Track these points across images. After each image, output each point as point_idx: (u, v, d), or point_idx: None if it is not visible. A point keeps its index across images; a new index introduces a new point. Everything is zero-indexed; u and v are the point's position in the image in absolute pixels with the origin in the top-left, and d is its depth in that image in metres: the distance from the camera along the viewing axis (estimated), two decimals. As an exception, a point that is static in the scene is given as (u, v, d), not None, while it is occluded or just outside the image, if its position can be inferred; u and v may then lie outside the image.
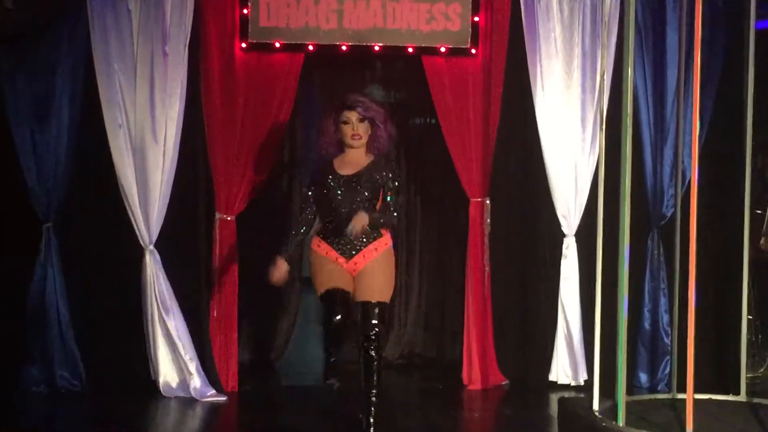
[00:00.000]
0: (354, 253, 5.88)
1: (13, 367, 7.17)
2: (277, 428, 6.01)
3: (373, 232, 5.90)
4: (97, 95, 7.13)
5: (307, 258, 6.31)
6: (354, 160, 5.98)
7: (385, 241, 5.97)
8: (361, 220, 5.75)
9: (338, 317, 5.74)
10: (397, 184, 6.03)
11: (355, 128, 5.93)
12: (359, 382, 5.91)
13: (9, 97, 7.13)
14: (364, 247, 5.89)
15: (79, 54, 7.15)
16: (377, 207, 5.93)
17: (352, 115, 5.93)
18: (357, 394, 5.93)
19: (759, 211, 7.24)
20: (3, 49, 7.06)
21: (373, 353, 5.83)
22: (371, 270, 5.90)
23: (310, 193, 6.05)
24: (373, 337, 5.83)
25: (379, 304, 5.88)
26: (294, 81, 7.41)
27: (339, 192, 5.89)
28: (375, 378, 5.88)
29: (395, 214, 6.02)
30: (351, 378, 5.99)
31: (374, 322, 5.84)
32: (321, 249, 5.93)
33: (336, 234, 5.87)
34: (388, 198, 5.98)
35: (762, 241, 7.52)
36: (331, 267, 5.90)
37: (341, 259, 5.88)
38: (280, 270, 5.88)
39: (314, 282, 5.98)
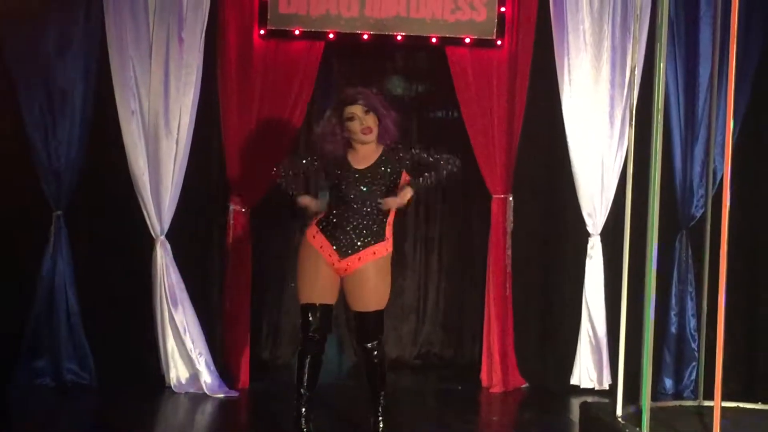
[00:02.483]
0: (350, 253, 5.72)
1: (19, 359, 7.17)
2: (288, 428, 5.92)
3: (376, 235, 5.77)
4: (111, 80, 7.14)
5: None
6: (367, 155, 5.84)
7: (387, 246, 5.81)
8: (394, 202, 5.75)
9: (312, 333, 5.73)
10: (418, 150, 5.91)
11: (363, 122, 5.76)
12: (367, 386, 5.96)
13: (20, 82, 7.11)
14: (363, 248, 5.74)
15: (93, 37, 7.17)
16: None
17: (357, 109, 5.75)
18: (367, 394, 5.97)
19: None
20: (13, 31, 7.05)
21: (375, 361, 5.87)
22: (366, 275, 5.77)
23: (309, 159, 5.95)
24: (372, 347, 5.83)
25: (376, 313, 5.82)
26: (313, 70, 7.41)
27: (353, 187, 5.75)
28: (379, 382, 5.91)
29: (449, 158, 5.94)
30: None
31: (372, 333, 5.83)
32: (315, 242, 5.76)
33: (338, 228, 5.74)
34: (428, 156, 5.87)
35: None
36: (319, 267, 5.74)
37: (334, 257, 5.73)
38: (306, 201, 5.89)
39: (298, 278, 5.85)
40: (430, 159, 5.86)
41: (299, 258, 5.86)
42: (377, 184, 5.76)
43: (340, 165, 5.80)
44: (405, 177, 5.84)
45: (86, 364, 7.22)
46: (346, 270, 5.74)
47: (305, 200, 5.88)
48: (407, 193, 5.74)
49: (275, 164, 6.08)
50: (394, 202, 5.74)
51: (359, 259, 5.72)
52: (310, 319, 5.74)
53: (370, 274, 5.77)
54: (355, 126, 5.75)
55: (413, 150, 5.88)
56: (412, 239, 8.32)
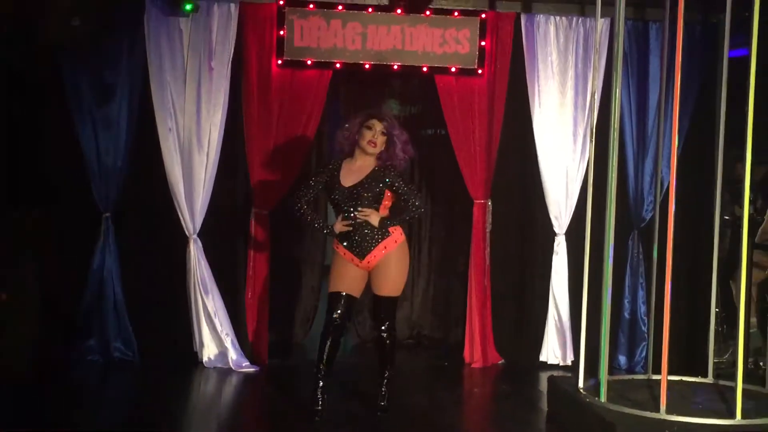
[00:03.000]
0: (365, 254, 5.79)
1: (74, 339, 7.19)
2: (301, 398, 6.00)
3: (380, 233, 5.80)
4: (151, 102, 7.15)
5: (330, 247, 6.23)
6: (363, 167, 5.84)
7: (395, 238, 5.83)
8: (371, 217, 5.74)
9: (336, 316, 5.76)
10: (399, 183, 5.81)
11: (375, 136, 5.79)
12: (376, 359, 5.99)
13: (74, 104, 7.12)
14: (374, 248, 5.79)
15: (137, 66, 7.16)
16: (387, 204, 5.85)
17: (377, 125, 5.81)
18: (373, 370, 6.00)
19: (727, 217, 7.24)
20: (70, 59, 7.06)
21: (386, 340, 5.90)
22: (384, 266, 5.82)
23: (311, 182, 5.91)
24: (384, 329, 5.88)
25: (390, 299, 5.87)
26: (322, 94, 7.39)
27: (343, 201, 5.78)
28: (388, 358, 5.95)
29: (417, 203, 5.86)
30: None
31: (384, 316, 5.87)
32: (340, 250, 5.86)
33: (348, 238, 5.80)
34: (403, 193, 5.83)
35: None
36: (348, 268, 5.83)
37: (356, 260, 5.81)
38: (339, 227, 5.81)
39: (330, 276, 5.93)
40: (403, 198, 5.85)
41: (333, 263, 5.91)
42: (365, 193, 5.77)
43: (333, 183, 5.80)
44: (387, 194, 5.84)
45: (130, 343, 7.25)
46: (369, 266, 5.81)
47: (338, 227, 5.81)
48: (375, 220, 5.73)
49: (293, 197, 6.01)
50: (365, 215, 5.73)
51: (374, 256, 5.78)
52: (336, 305, 5.78)
53: (388, 265, 5.82)
54: (367, 134, 5.77)
55: (398, 181, 5.82)
56: (407, 238, 8.29)
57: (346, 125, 5.95)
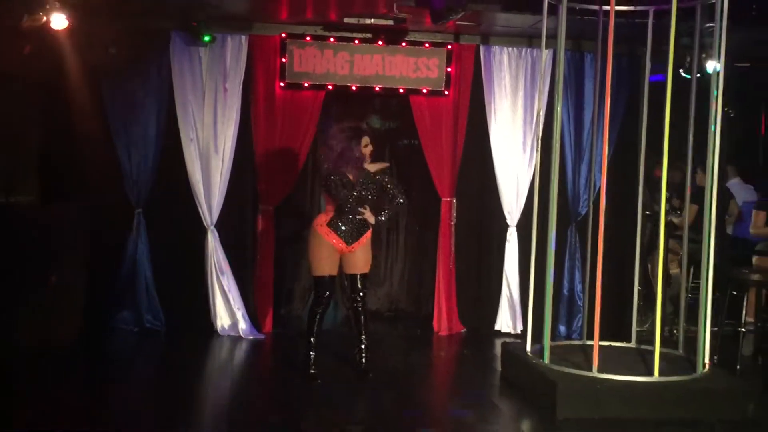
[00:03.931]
0: (352, 242, 5.76)
1: (113, 312, 7.16)
2: (302, 361, 5.98)
3: (365, 229, 5.81)
4: (176, 116, 7.12)
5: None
6: (363, 170, 5.81)
7: (369, 234, 5.86)
8: (368, 215, 5.75)
9: (325, 297, 5.73)
10: (387, 180, 5.88)
11: (370, 147, 5.76)
12: (354, 330, 5.95)
13: (111, 117, 7.06)
14: (361, 237, 5.80)
15: (163, 86, 7.12)
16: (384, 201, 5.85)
17: (367, 139, 5.75)
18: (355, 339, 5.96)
19: (647, 213, 7.25)
20: (108, 80, 7.02)
21: (360, 309, 5.86)
22: (360, 253, 5.82)
23: (332, 178, 5.73)
24: (360, 299, 5.85)
25: (364, 275, 5.87)
26: (317, 111, 7.35)
27: (353, 192, 5.73)
28: (363, 326, 5.89)
29: (400, 199, 5.87)
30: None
31: (360, 288, 5.84)
32: (329, 237, 5.72)
33: (344, 225, 5.73)
34: (390, 191, 5.86)
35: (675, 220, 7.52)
36: (330, 251, 5.73)
37: (342, 245, 5.74)
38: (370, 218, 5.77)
39: (312, 259, 5.78)
40: (390, 191, 5.85)
41: (312, 245, 5.78)
42: (370, 190, 5.79)
43: (344, 177, 5.73)
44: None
45: (158, 315, 7.20)
46: (348, 251, 5.78)
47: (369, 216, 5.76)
48: (371, 217, 5.75)
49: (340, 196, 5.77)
50: (367, 215, 5.75)
51: (358, 243, 5.78)
52: (325, 287, 5.74)
53: (363, 252, 5.84)
54: (366, 151, 5.74)
55: (386, 179, 5.87)
56: (386, 228, 8.28)
57: (346, 150, 5.69)
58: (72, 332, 6.72)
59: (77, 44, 6.60)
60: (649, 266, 7.59)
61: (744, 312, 6.40)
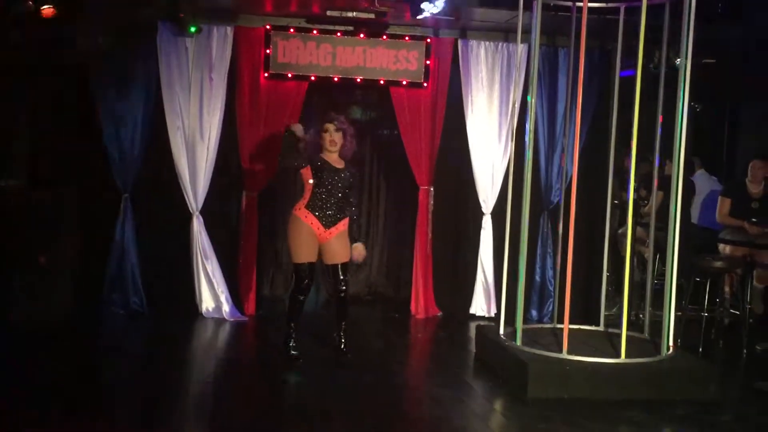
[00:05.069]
0: (331, 226, 5.71)
1: (100, 294, 7.12)
2: (281, 342, 5.99)
3: (343, 214, 5.77)
4: (162, 105, 7.07)
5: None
6: (336, 161, 5.76)
7: (346, 221, 5.81)
8: (361, 252, 5.82)
9: (304, 284, 5.69)
10: (352, 180, 5.86)
11: (332, 135, 5.70)
12: (334, 314, 5.94)
13: (101, 103, 7.01)
14: (338, 222, 5.74)
15: (151, 76, 7.07)
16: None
17: (330, 126, 5.72)
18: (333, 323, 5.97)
19: (616, 202, 7.30)
20: (97, 68, 6.96)
21: (343, 297, 5.83)
22: (338, 240, 5.76)
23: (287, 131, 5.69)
24: (343, 287, 5.80)
25: (345, 264, 5.81)
26: (300, 101, 7.31)
27: (329, 178, 5.67)
28: (345, 313, 5.89)
29: (354, 208, 5.91)
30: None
31: (342, 277, 5.79)
32: (307, 219, 5.67)
33: (321, 209, 5.68)
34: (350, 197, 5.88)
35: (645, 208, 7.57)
36: (309, 238, 5.66)
37: (321, 229, 5.69)
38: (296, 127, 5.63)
39: (292, 246, 5.72)
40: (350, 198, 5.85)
41: (291, 231, 5.72)
42: (343, 179, 5.73)
43: (321, 163, 5.69)
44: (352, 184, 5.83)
45: (143, 298, 7.13)
46: (327, 238, 5.72)
47: (296, 127, 5.60)
48: (361, 252, 5.84)
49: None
50: (360, 256, 5.84)
51: (336, 229, 5.74)
52: (305, 273, 5.68)
53: (341, 240, 5.78)
54: (326, 137, 5.70)
55: (352, 180, 5.84)
56: (367, 216, 8.27)
57: (307, 138, 5.71)
58: (60, 313, 6.68)
59: (66, 33, 6.53)
60: (620, 247, 7.66)
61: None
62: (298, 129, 5.61)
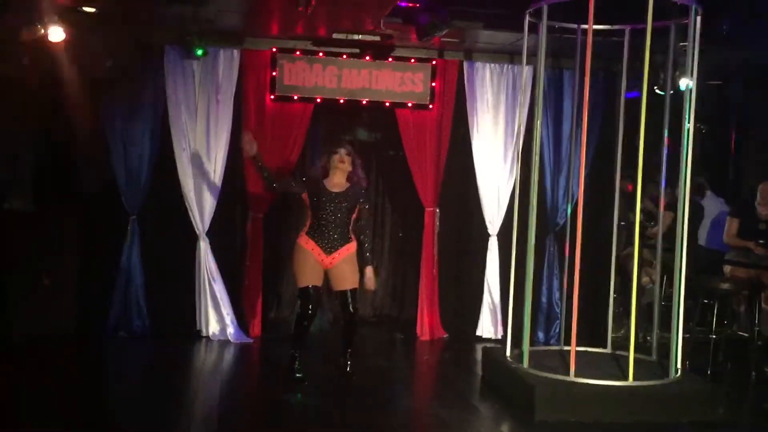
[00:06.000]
0: (332, 251, 5.67)
1: (106, 319, 7.06)
2: (286, 365, 5.94)
3: (345, 239, 5.73)
4: (169, 127, 7.08)
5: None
6: (339, 183, 5.77)
7: (353, 245, 5.77)
8: (371, 278, 5.77)
9: (310, 309, 5.63)
10: (367, 206, 5.91)
11: (342, 157, 5.76)
12: (341, 338, 5.89)
13: (108, 126, 7.02)
14: (341, 247, 5.70)
15: (158, 98, 7.09)
16: (353, 218, 5.78)
17: (342, 150, 5.80)
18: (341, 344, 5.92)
19: (623, 223, 7.26)
20: (104, 92, 6.96)
21: (352, 327, 5.78)
22: (345, 265, 5.70)
23: (303, 179, 5.92)
24: (352, 317, 5.74)
25: (354, 290, 5.75)
26: (306, 123, 7.34)
27: (328, 203, 5.68)
28: (352, 339, 5.85)
29: (369, 236, 5.92)
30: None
31: (351, 304, 5.72)
32: (308, 245, 5.67)
33: (321, 234, 5.67)
34: (362, 220, 5.85)
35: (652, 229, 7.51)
36: (312, 263, 5.65)
37: (322, 255, 5.66)
38: (246, 138, 5.67)
39: (296, 272, 5.73)
40: (363, 221, 5.84)
41: (295, 258, 5.74)
42: (344, 203, 5.71)
43: (319, 188, 5.71)
44: (356, 208, 5.80)
45: (147, 320, 7.09)
46: (331, 263, 5.69)
47: (246, 137, 5.63)
48: (370, 276, 5.78)
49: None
50: (369, 282, 5.79)
51: (339, 254, 5.69)
52: (309, 298, 5.63)
53: (348, 264, 5.72)
54: (336, 157, 5.75)
55: (366, 206, 5.86)
56: (372, 236, 8.15)
57: (318, 165, 5.90)
58: (63, 334, 6.66)
59: (74, 57, 6.55)
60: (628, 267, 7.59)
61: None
62: (247, 139, 5.64)
